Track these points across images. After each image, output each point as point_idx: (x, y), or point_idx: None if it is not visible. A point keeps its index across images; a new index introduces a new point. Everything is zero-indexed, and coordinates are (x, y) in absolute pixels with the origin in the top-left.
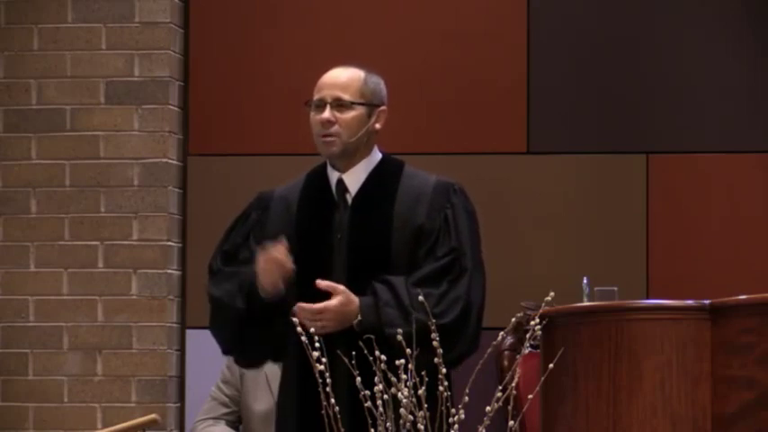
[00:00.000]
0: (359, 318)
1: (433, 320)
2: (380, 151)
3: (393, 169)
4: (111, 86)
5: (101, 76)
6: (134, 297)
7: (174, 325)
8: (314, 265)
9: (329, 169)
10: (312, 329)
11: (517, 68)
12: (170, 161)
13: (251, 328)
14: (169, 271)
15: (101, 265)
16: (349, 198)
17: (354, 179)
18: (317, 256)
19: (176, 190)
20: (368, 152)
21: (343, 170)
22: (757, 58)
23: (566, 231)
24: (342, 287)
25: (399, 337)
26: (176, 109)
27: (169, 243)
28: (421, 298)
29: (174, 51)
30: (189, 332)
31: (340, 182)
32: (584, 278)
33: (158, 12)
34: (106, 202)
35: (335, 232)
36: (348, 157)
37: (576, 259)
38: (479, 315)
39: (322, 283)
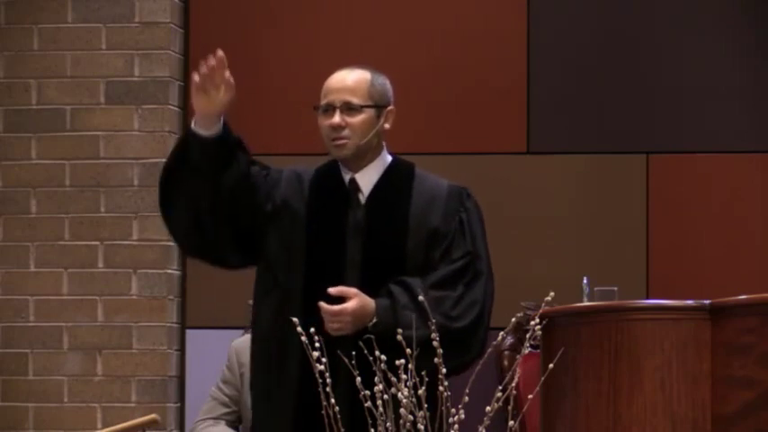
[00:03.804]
0: (374, 320)
1: (439, 323)
2: (389, 151)
3: (405, 171)
4: (111, 86)
5: (101, 76)
6: (134, 297)
7: (174, 325)
8: (326, 259)
9: (342, 168)
10: (329, 331)
11: (517, 68)
12: None
13: (196, 181)
14: (169, 271)
15: (101, 265)
16: (361, 198)
17: (367, 179)
18: (329, 250)
19: None
20: (378, 152)
21: (354, 170)
22: (757, 59)
23: (566, 231)
24: (354, 290)
25: (400, 338)
26: (176, 109)
27: (169, 243)
28: (421, 298)
29: (174, 51)
30: (189, 332)
31: (352, 181)
32: (584, 278)
33: (158, 12)
34: (106, 202)
35: (349, 229)
36: (359, 158)
37: (576, 259)
38: (488, 320)
39: (333, 290)
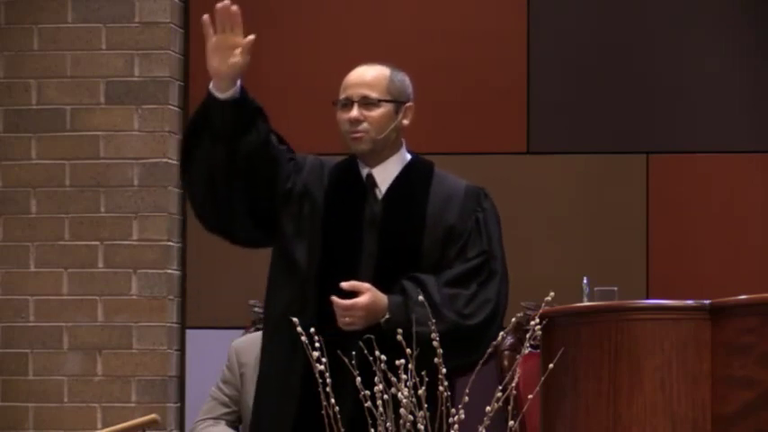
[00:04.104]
0: (387, 316)
1: (451, 320)
2: (408, 150)
3: (424, 170)
4: (111, 86)
5: (101, 76)
6: (134, 297)
7: (174, 325)
8: (341, 250)
9: (360, 163)
10: (341, 325)
11: (517, 68)
12: (170, 161)
13: (218, 150)
14: (169, 271)
15: (101, 265)
16: (378, 193)
17: (384, 175)
18: (345, 242)
19: (176, 190)
20: (397, 149)
21: (372, 165)
22: (757, 59)
23: (566, 231)
24: (367, 285)
25: (399, 337)
26: (176, 109)
27: (169, 243)
28: (420, 298)
29: (174, 51)
30: (189, 332)
31: (369, 176)
32: (584, 278)
33: (158, 12)
34: (106, 202)
35: (365, 222)
36: (377, 153)
37: (576, 259)
38: (502, 320)
39: (346, 285)
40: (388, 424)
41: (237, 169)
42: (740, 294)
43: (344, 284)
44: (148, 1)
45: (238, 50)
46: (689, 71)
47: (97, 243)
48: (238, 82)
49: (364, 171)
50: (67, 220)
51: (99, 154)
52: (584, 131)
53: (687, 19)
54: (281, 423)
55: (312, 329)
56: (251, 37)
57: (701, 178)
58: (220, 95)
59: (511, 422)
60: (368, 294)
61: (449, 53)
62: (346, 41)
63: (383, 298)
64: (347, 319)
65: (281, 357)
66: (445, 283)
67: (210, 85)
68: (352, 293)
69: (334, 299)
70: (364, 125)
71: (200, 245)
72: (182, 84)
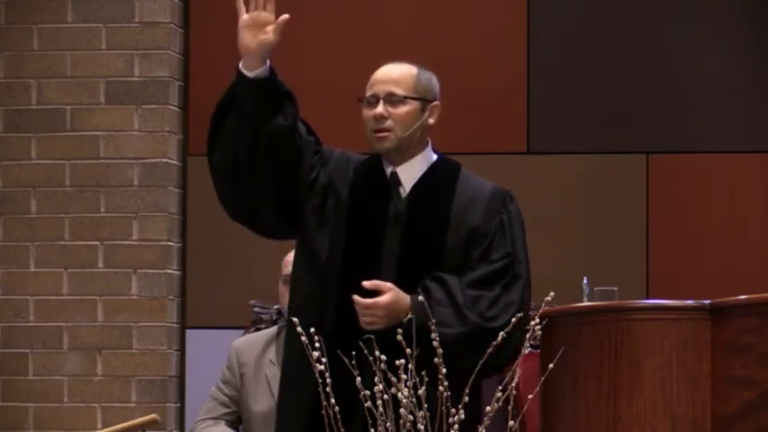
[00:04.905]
0: (409, 315)
1: (474, 322)
2: (434, 149)
3: (450, 170)
4: (111, 86)
5: (101, 76)
6: (134, 297)
7: (174, 325)
8: (364, 247)
9: (384, 161)
10: (362, 324)
11: (517, 68)
12: (170, 161)
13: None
14: (169, 271)
15: (101, 265)
16: (402, 191)
17: (408, 174)
18: (368, 238)
19: (176, 190)
20: (422, 147)
21: (396, 164)
22: (757, 59)
23: (566, 231)
24: (389, 284)
25: (399, 337)
26: (176, 109)
27: (169, 243)
28: (420, 298)
29: (174, 51)
30: (189, 332)
31: (393, 174)
32: (584, 278)
33: (158, 12)
34: (106, 202)
35: (389, 220)
36: (401, 152)
37: (575, 259)
38: (525, 323)
39: (368, 284)
40: (388, 424)
41: (261, 153)
42: (740, 294)
43: (366, 283)
44: (148, 1)
45: (269, 28)
46: (689, 71)
47: (97, 243)
48: (268, 62)
49: (388, 169)
50: (67, 220)
51: (99, 154)
52: (584, 131)
53: (687, 19)
54: (297, 410)
55: (312, 329)
56: (285, 16)
57: (701, 178)
58: (249, 74)
59: (511, 422)
60: (389, 294)
61: (449, 53)
62: (346, 42)
63: (405, 297)
64: (368, 318)
65: (299, 350)
66: (468, 285)
67: (240, 64)
68: (375, 292)
69: (356, 298)
70: (389, 123)
71: (200, 245)
72: (182, 84)
